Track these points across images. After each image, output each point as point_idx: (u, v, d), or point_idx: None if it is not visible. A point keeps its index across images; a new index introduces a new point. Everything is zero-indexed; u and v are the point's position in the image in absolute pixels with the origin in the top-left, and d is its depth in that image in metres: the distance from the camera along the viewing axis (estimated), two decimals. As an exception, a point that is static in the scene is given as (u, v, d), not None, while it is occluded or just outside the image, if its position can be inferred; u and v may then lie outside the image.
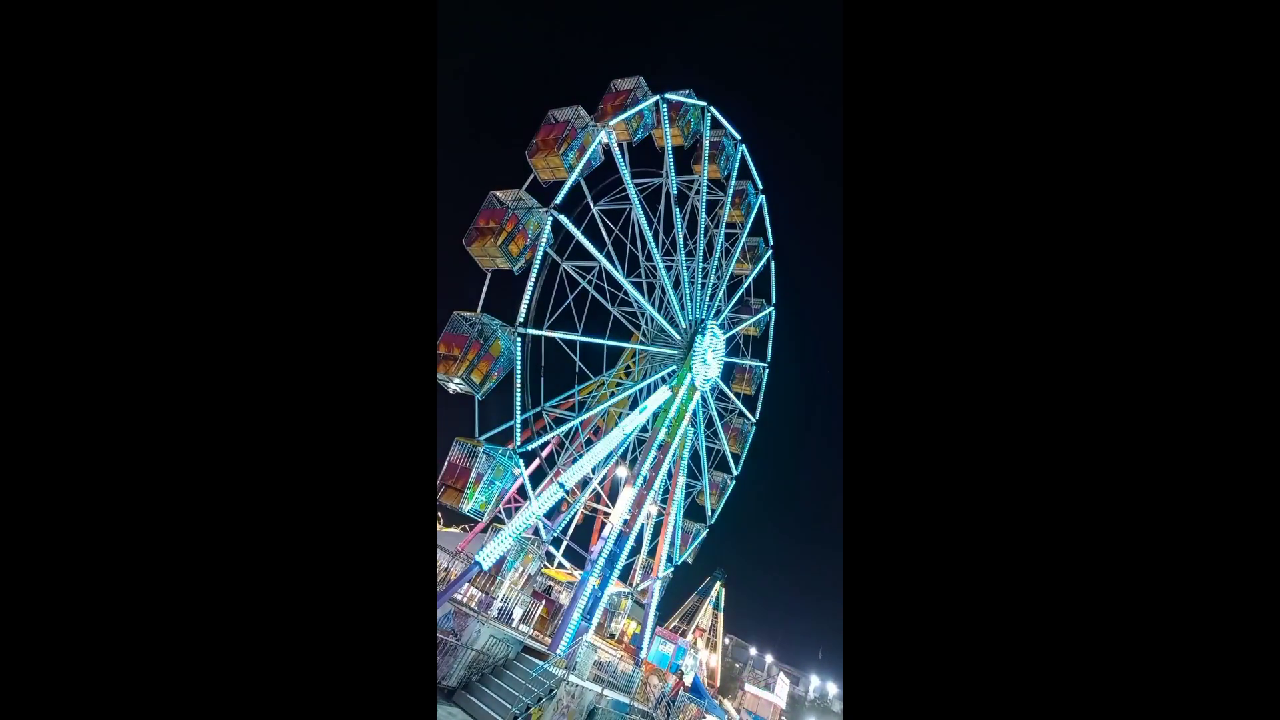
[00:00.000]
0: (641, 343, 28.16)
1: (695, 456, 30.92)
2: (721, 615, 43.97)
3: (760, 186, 32.03)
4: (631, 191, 24.73)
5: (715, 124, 28.20)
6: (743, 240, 31.64)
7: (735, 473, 33.75)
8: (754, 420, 34.36)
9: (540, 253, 20.52)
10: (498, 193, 21.14)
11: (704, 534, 32.52)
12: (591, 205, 25.43)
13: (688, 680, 26.76)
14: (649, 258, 26.26)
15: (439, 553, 22.23)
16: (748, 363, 34.09)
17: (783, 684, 54.58)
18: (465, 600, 19.82)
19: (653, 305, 26.67)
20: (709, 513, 32.84)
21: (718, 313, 29.76)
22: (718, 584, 44.54)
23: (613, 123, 22.88)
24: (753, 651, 57.79)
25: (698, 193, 28.28)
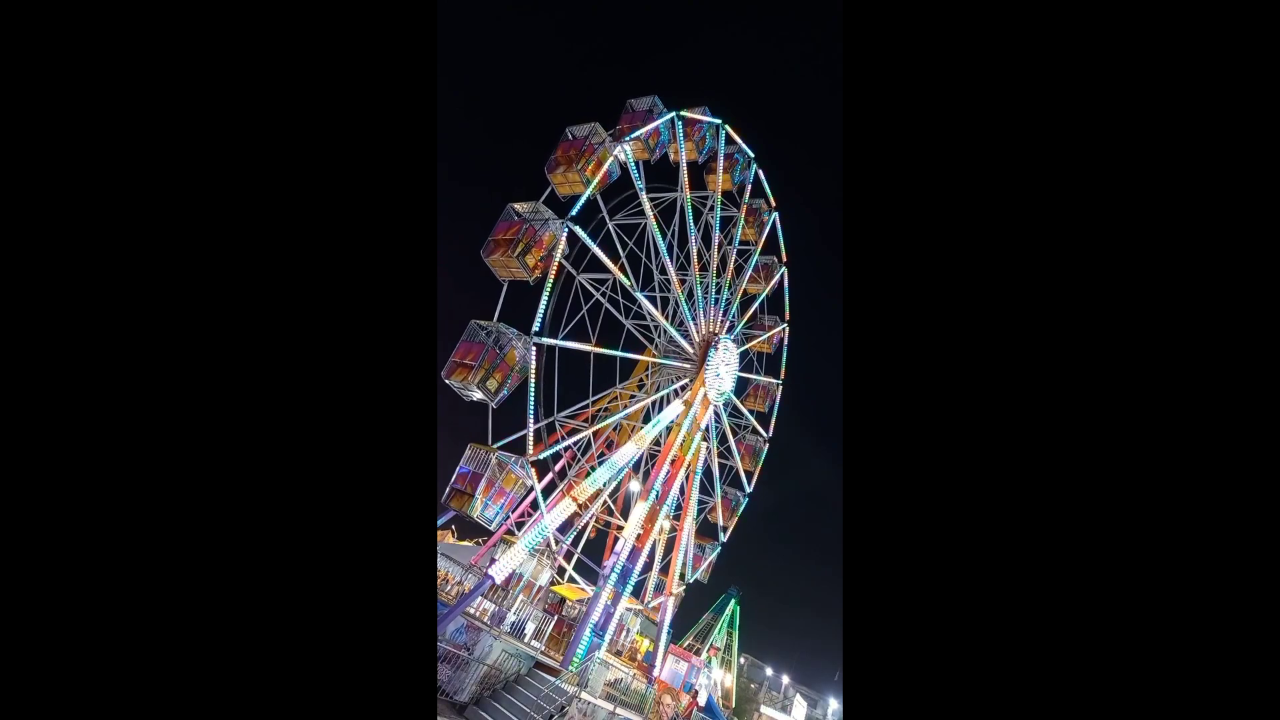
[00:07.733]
0: (655, 356, 28.23)
1: (709, 473, 30.71)
2: (736, 634, 43.35)
3: (774, 204, 32.12)
4: (646, 206, 25.09)
5: (729, 141, 28.57)
6: (755, 258, 31.72)
7: (748, 490, 33.41)
8: (767, 437, 34.13)
9: (555, 263, 20.87)
10: (515, 205, 21.56)
11: (717, 551, 32.16)
12: (608, 220, 25.79)
13: (702, 700, 26.33)
14: (663, 272, 26.50)
15: (453, 566, 22.29)
16: (761, 379, 33.98)
17: (799, 706, 53.49)
18: (478, 614, 19.80)
19: (666, 318, 26.79)
20: (721, 530, 32.49)
21: (730, 328, 29.78)
22: (732, 602, 43.98)
23: (629, 139, 23.42)
24: (769, 672, 56.73)
25: (712, 209, 28.53)
